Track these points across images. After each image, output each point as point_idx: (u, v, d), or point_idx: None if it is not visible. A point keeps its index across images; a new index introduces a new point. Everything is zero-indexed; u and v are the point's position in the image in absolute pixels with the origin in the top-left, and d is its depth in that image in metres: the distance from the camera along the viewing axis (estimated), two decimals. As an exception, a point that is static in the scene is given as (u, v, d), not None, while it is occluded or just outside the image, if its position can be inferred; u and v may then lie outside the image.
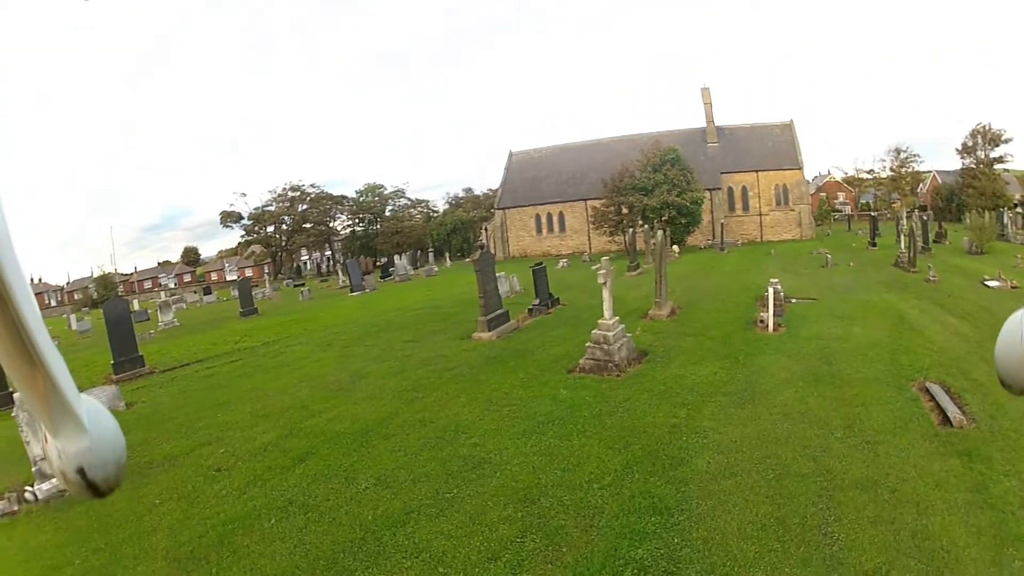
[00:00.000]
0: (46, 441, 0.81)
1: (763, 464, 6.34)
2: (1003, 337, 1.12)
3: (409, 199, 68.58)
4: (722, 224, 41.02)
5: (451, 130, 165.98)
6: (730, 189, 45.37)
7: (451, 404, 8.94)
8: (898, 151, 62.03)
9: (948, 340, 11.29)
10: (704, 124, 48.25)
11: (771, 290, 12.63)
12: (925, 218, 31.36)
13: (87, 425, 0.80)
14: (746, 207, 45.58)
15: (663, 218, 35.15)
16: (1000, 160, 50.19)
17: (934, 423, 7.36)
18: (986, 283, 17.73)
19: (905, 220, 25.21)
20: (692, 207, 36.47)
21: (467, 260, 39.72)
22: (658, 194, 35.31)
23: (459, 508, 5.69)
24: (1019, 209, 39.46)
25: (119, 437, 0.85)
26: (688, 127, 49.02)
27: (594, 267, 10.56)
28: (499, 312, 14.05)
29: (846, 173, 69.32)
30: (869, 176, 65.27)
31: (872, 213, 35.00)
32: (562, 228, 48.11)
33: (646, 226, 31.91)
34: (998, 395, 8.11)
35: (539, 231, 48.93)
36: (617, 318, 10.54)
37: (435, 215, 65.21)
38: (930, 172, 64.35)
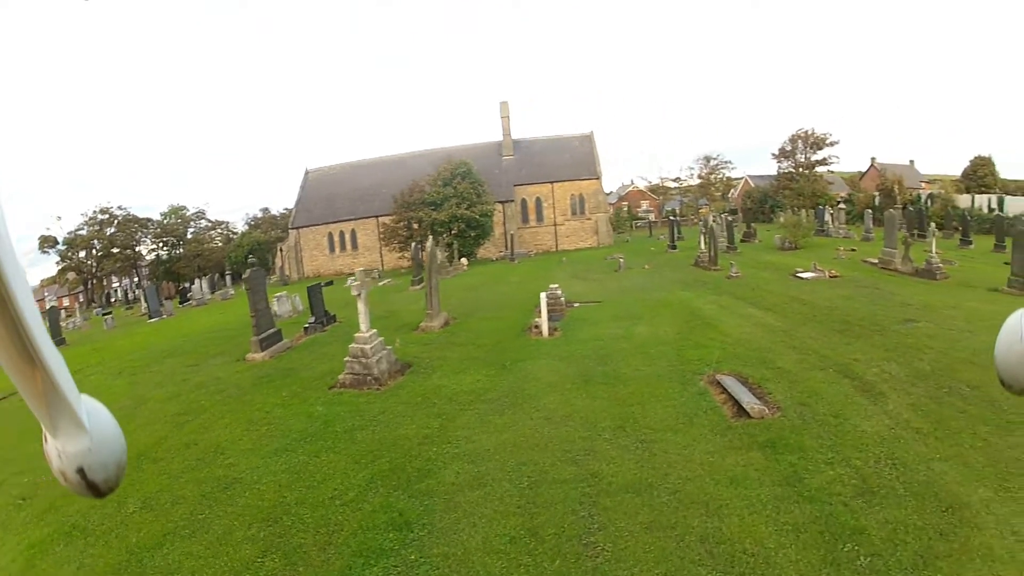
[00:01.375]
0: (46, 441, 0.84)
1: (517, 472, 6.52)
2: (1003, 337, 1.12)
3: (209, 221, 71.20)
4: (512, 235, 44.56)
5: (253, 149, 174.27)
6: (523, 201, 50.13)
7: (215, 425, 9.37)
8: (707, 159, 70.00)
9: (750, 332, 12.20)
10: (501, 138, 53.29)
11: (544, 296, 13.51)
12: (730, 219, 35.73)
13: (87, 425, 0.84)
14: (540, 218, 50.56)
15: (452, 232, 38.65)
16: (823, 162, 59.03)
17: (727, 416, 7.58)
18: (799, 275, 19.84)
19: (710, 221, 28.14)
20: (482, 219, 40.10)
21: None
22: (447, 208, 38.74)
23: (209, 529, 6.18)
24: (842, 206, 46.54)
25: (119, 437, 0.90)
26: (486, 141, 54.10)
27: (352, 283, 11.03)
28: (271, 332, 15.26)
29: (650, 182, 76.72)
30: (675, 184, 72.76)
31: (674, 218, 40.29)
32: (354, 246, 51.52)
33: (430, 239, 34.82)
34: (811, 381, 8.76)
35: (332, 250, 52.20)
36: (375, 331, 11.13)
37: (234, 237, 68.45)
38: (742, 177, 72.61)
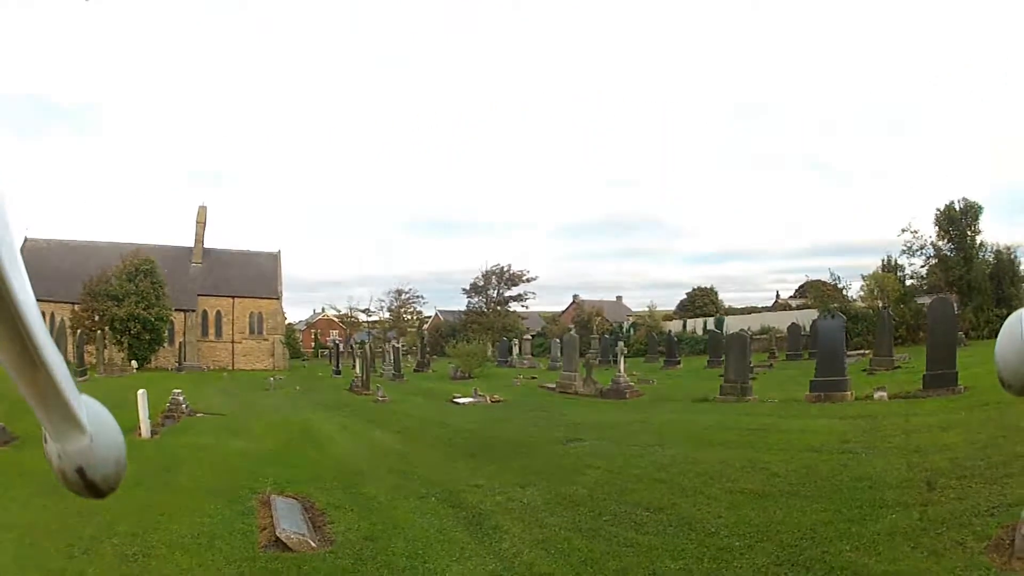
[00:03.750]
0: (46, 441, 1.00)
1: None
2: (1003, 337, 1.50)
3: None
4: (181, 343, 49.86)
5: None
6: (205, 312, 55.27)
7: None
8: (400, 292, 77.32)
9: (358, 453, 12.77)
10: (193, 244, 58.74)
11: (143, 395, 14.22)
12: (396, 346, 39.09)
13: (87, 425, 0.97)
14: (219, 333, 55.89)
15: (131, 332, 42.65)
16: (518, 299, 66.65)
17: (257, 543, 7.41)
18: (455, 400, 21.17)
19: (390, 348, 32.91)
20: (157, 324, 44.49)
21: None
22: (127, 305, 42.45)
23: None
24: (527, 337, 52.41)
25: (119, 437, 1.06)
26: (180, 244, 59.56)
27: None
28: None
29: (339, 311, 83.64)
30: (366, 316, 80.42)
31: (340, 347, 45.85)
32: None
33: (99, 332, 39.72)
34: (399, 511, 8.65)
35: None
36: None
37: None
38: (434, 313, 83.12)
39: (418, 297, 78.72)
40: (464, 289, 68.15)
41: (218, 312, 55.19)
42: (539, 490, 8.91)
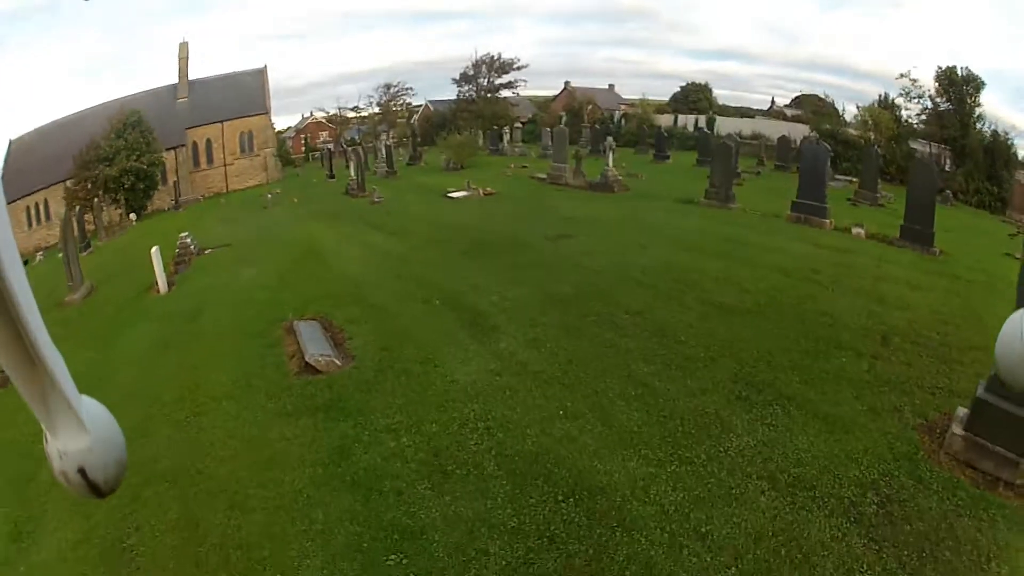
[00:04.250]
0: (46, 442, 1.01)
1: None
2: (1003, 336, 1.53)
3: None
4: (175, 183, 48.94)
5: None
6: (195, 144, 54.54)
7: None
8: (388, 86, 76.11)
9: (362, 263, 12.88)
10: (178, 80, 56.79)
11: (156, 249, 14.41)
12: (388, 144, 40.49)
13: (87, 425, 1.00)
14: (211, 159, 55.34)
15: (125, 187, 42.43)
16: (508, 86, 65.46)
17: (289, 372, 7.74)
18: (449, 195, 21.71)
19: (382, 145, 33.08)
20: (149, 170, 44.08)
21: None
22: (119, 162, 42.06)
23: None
24: (517, 125, 52.04)
25: (119, 437, 1.10)
26: (163, 85, 56.92)
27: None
28: None
29: (328, 112, 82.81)
30: (355, 114, 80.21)
31: (330, 149, 45.32)
32: (48, 217, 51.67)
33: (95, 200, 38.86)
34: (406, 318, 9.07)
35: (30, 225, 52.35)
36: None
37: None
38: (423, 104, 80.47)
39: (407, 89, 77.76)
40: (454, 79, 67.33)
41: (208, 140, 54.39)
42: (530, 288, 9.63)
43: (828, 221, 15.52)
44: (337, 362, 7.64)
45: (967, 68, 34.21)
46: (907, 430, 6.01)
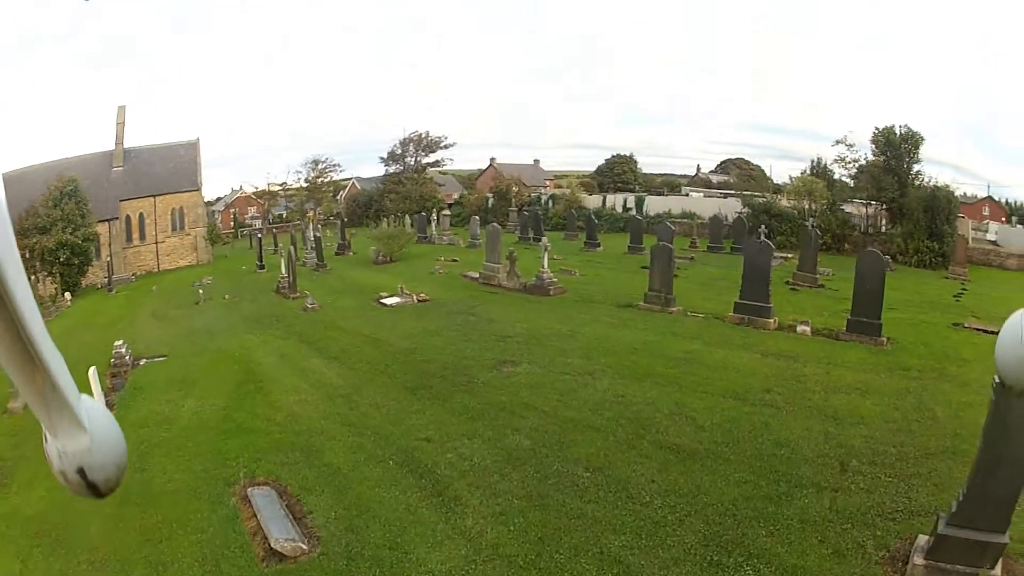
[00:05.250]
0: (46, 442, 1.07)
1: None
2: (1003, 337, 1.91)
3: None
4: (109, 261, 48.95)
5: None
6: (128, 217, 54.78)
7: None
8: (316, 162, 78.77)
9: (306, 399, 12.69)
10: (114, 146, 57.35)
11: (94, 371, 12.94)
12: (317, 235, 39.35)
13: (87, 425, 1.05)
14: (143, 236, 55.54)
15: (60, 260, 42.73)
16: (436, 165, 68.83)
17: (257, 558, 7.57)
18: (383, 301, 21.36)
19: (310, 232, 33.16)
20: (84, 245, 44.55)
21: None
22: (55, 233, 42.75)
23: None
24: (446, 212, 53.20)
25: (119, 438, 1.15)
26: (100, 150, 57.74)
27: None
28: None
29: (256, 187, 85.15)
30: (282, 188, 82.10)
31: (260, 234, 45.83)
32: None
33: (34, 273, 41.33)
34: (366, 485, 8.96)
35: None
36: None
37: None
38: (350, 180, 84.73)
39: (335, 166, 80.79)
40: (381, 157, 69.74)
41: (140, 214, 54.93)
42: (484, 442, 9.75)
43: (772, 320, 16.13)
44: (303, 546, 7.63)
45: (906, 126, 35.85)
46: (871, 565, 6.50)
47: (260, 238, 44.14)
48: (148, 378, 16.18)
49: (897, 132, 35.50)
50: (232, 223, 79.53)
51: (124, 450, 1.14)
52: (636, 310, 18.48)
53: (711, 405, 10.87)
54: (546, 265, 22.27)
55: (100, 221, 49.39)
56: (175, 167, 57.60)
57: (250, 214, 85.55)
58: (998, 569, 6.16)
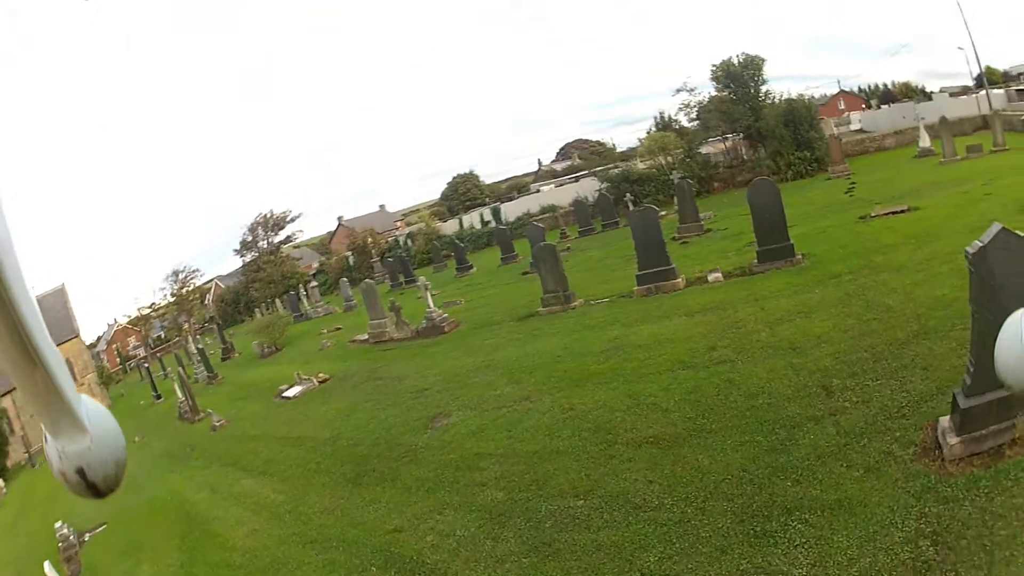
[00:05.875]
0: (46, 441, 1.10)
1: None
2: (1003, 337, 1.57)
3: None
4: (23, 435, 46.68)
5: None
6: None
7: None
8: (176, 273, 79.00)
9: (253, 528, 11.91)
10: None
11: (48, 566, 12.89)
12: (199, 347, 38.66)
13: (87, 425, 1.07)
14: None
15: None
16: (288, 241, 69.32)
17: None
18: (284, 395, 20.84)
19: (191, 345, 34.78)
20: None
21: None
22: None
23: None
24: (313, 284, 52.94)
25: (119, 437, 1.16)
26: None
27: None
28: None
29: (129, 316, 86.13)
30: (152, 309, 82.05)
31: (146, 364, 44.95)
32: None
33: None
34: None
35: None
36: None
37: None
38: (212, 281, 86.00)
39: (194, 271, 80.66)
40: (235, 249, 69.97)
41: None
42: (457, 511, 9.04)
43: (680, 279, 15.99)
44: None
45: (743, 53, 37.16)
46: (909, 466, 6.42)
47: (147, 367, 43.45)
48: (98, 555, 15.44)
49: (736, 62, 36.79)
50: (117, 359, 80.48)
51: (123, 448, 1.15)
52: (538, 317, 18.02)
53: (665, 384, 10.44)
54: (432, 304, 21.69)
55: (2, 395, 47.43)
56: (49, 319, 54.61)
57: (131, 345, 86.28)
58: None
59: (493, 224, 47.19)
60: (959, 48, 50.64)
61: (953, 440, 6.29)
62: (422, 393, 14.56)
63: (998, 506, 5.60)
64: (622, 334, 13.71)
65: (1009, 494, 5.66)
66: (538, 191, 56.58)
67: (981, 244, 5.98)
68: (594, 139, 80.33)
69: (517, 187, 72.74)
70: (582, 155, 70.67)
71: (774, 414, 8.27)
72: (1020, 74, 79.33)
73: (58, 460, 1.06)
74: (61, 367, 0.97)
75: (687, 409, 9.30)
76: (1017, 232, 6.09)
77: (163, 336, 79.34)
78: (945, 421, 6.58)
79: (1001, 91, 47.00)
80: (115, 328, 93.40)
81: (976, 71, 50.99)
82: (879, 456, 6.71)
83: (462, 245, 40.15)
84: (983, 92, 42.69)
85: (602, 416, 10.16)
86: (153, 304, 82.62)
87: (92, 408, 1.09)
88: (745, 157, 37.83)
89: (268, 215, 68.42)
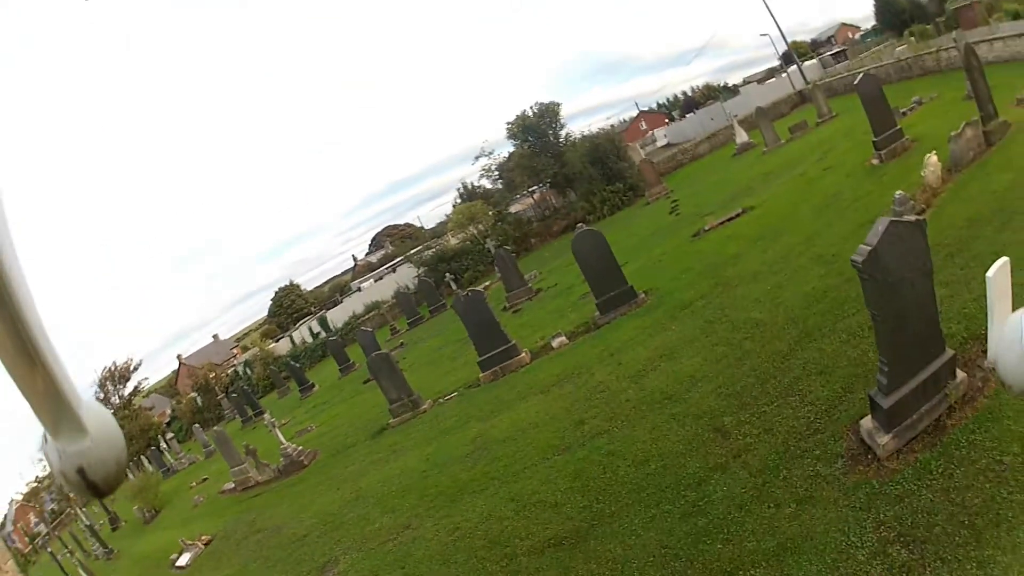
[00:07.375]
0: (46, 442, 1.06)
1: None
2: (1004, 338, 1.56)
3: None
4: None
5: None
6: None
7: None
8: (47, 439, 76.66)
9: None
10: None
11: None
12: (88, 523, 35.28)
13: (87, 425, 1.04)
14: None
15: None
16: (137, 391, 64.98)
17: None
18: (178, 565, 19.38)
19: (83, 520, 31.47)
20: None
21: None
22: None
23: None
24: (171, 435, 49.78)
25: (119, 437, 1.13)
26: None
27: None
28: None
29: (21, 493, 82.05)
30: (38, 483, 79.87)
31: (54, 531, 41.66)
32: None
33: None
34: None
35: None
36: None
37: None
38: None
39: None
40: None
41: None
42: None
43: (523, 354, 15.37)
44: None
45: (537, 103, 37.49)
46: (842, 479, 6.18)
47: (50, 550, 40.75)
48: None
49: (530, 113, 36.93)
50: (27, 539, 74.58)
51: (123, 447, 1.12)
52: (392, 430, 16.88)
53: (544, 477, 9.46)
54: (283, 438, 20.41)
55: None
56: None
57: (33, 522, 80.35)
58: (958, 373, 6.37)
59: (323, 335, 46.30)
60: (762, 35, 52.15)
61: (884, 438, 6.10)
62: (303, 541, 13.26)
63: (960, 477, 5.42)
64: (482, 430, 12.65)
65: (968, 461, 5.53)
66: (359, 289, 55.74)
67: (870, 247, 5.73)
68: (403, 222, 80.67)
69: (339, 288, 71.84)
70: (393, 242, 70.55)
71: (673, 476, 7.61)
72: (830, 37, 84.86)
73: (58, 460, 1.02)
74: (61, 367, 0.93)
75: (578, 498, 8.41)
76: (904, 218, 5.95)
77: (55, 508, 75.64)
78: (867, 422, 6.40)
79: (814, 61, 49.33)
80: (15, 506, 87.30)
81: (783, 50, 53.43)
82: (806, 482, 6.31)
83: (298, 366, 38.94)
84: (793, 68, 44.65)
85: (491, 528, 9.07)
86: (36, 476, 79.57)
87: (92, 408, 1.05)
88: (556, 205, 38.19)
89: (112, 368, 64.37)
